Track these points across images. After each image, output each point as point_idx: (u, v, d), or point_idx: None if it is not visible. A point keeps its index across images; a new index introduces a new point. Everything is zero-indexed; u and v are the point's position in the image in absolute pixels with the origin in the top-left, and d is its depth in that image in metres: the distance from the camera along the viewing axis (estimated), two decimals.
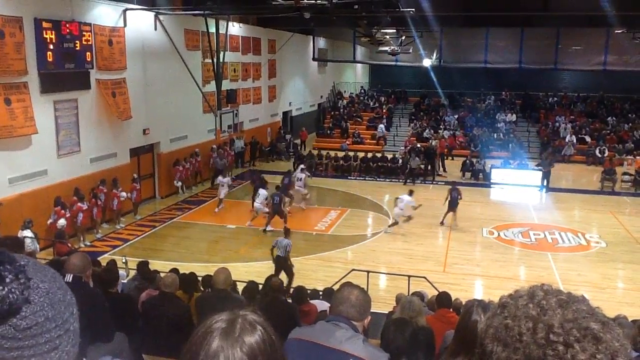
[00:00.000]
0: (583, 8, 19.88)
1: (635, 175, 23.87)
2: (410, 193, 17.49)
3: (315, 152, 26.99)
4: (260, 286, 7.61)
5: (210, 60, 21.82)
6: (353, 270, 11.67)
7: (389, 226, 17.16)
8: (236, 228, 17.27)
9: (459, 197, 17.59)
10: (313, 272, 13.46)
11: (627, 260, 15.26)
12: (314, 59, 34.34)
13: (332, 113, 35.36)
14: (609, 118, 31.55)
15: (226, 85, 23.47)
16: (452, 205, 17.44)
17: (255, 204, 17.21)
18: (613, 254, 15.78)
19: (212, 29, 21.51)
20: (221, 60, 21.81)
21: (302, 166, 21.15)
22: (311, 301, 7.64)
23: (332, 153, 26.74)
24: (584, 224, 18.58)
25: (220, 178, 18.53)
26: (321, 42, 35.34)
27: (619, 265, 15.07)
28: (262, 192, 17.18)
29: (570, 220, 19.04)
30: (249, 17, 25.41)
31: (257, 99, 27.65)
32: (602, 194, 22.74)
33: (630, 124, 30.82)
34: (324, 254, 15.12)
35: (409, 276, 11.36)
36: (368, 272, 11.62)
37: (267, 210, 16.88)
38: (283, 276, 11.62)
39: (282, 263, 12.26)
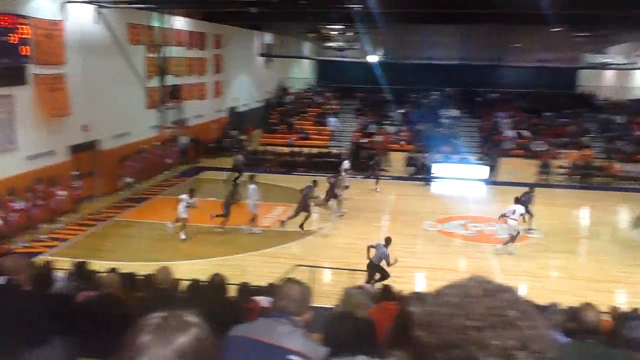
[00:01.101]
0: (525, 6, 20.40)
1: (570, 168, 24.96)
2: (517, 201, 16.02)
3: (261, 148, 26.90)
4: (204, 284, 7.57)
5: (154, 55, 21.41)
6: (297, 265, 11.74)
7: (504, 244, 15.57)
8: (176, 226, 16.92)
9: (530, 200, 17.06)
10: (257, 269, 13.42)
11: (562, 250, 15.95)
12: (260, 55, 34.20)
13: (279, 109, 35.28)
14: (547, 113, 32.72)
15: (170, 80, 23.10)
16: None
17: (249, 202, 16.21)
18: (548, 244, 16.45)
19: (157, 23, 21.13)
20: (165, 55, 21.45)
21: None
22: (255, 298, 7.66)
23: (278, 149, 26.74)
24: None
25: (185, 196, 16.03)
26: (268, 38, 35.25)
27: (554, 254, 15.70)
28: (252, 187, 16.37)
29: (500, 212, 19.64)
30: (194, 11, 25.05)
31: (202, 95, 27.31)
32: (539, 186, 23.57)
33: (566, 119, 32.06)
34: (269, 250, 15.14)
35: (354, 270, 11.53)
36: (313, 267, 11.71)
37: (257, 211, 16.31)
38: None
39: (373, 268, 11.88)
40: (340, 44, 32.14)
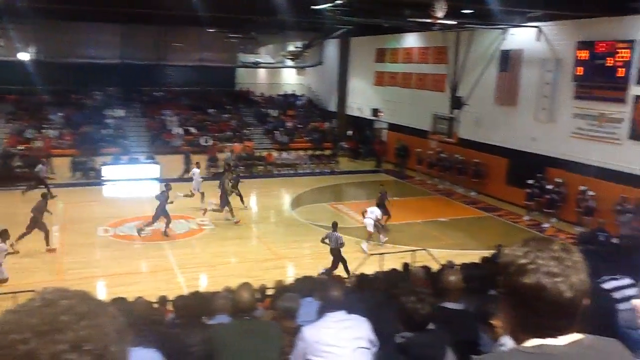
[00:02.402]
0: (181, 8, 20.86)
1: (235, 160, 26.82)
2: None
3: None
4: None
5: None
6: None
7: (382, 243, 16.56)
8: None
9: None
10: None
11: (233, 237, 17.14)
12: None
13: None
14: (210, 110, 34.42)
15: None
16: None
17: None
18: (221, 233, 17.49)
19: None
20: None
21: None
22: None
23: None
24: (195, 209, 19.86)
25: None
26: None
27: (227, 242, 16.77)
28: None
29: (183, 207, 20.11)
30: None
31: None
32: (209, 179, 24.75)
33: (228, 115, 34.25)
34: None
35: (14, 292, 10.34)
36: None
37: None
38: None
39: (337, 254, 13.63)
40: None
